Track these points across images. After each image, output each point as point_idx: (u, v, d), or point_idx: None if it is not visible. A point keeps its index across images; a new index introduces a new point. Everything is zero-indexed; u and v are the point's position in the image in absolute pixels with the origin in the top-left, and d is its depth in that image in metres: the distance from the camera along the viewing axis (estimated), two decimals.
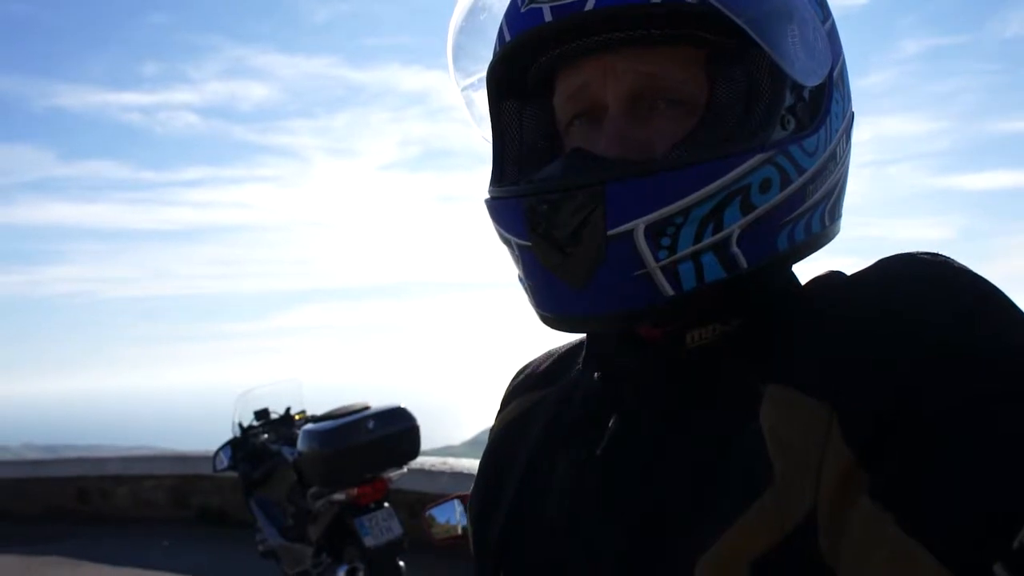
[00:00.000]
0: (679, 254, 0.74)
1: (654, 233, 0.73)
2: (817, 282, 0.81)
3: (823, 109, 0.81)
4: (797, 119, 0.78)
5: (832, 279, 0.80)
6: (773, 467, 0.68)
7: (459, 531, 2.95)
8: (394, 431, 5.07)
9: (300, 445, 5.15)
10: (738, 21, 0.73)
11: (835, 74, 0.83)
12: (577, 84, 0.83)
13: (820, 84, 0.80)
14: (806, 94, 0.80)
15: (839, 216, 0.87)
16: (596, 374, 0.91)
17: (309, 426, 5.15)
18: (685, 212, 0.73)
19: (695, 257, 0.74)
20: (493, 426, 1.07)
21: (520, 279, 0.85)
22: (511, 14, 0.83)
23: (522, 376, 1.09)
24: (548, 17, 0.78)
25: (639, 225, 0.73)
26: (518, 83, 0.89)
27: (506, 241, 0.84)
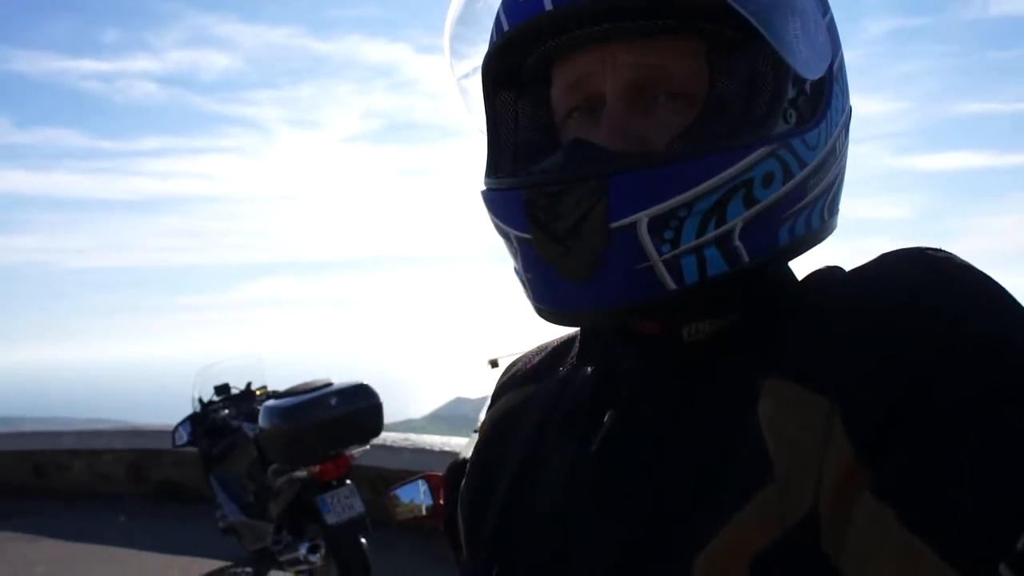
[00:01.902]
0: (682, 247, 0.73)
1: (657, 226, 0.72)
2: (816, 277, 0.81)
3: (824, 103, 0.80)
4: (799, 112, 0.78)
5: (831, 274, 0.79)
6: (773, 462, 0.67)
7: (423, 511, 2.95)
8: (357, 408, 5.04)
9: (261, 421, 5.11)
10: (743, 12, 0.72)
11: (835, 68, 0.82)
12: (576, 75, 0.82)
13: (821, 78, 0.80)
14: (808, 87, 0.79)
15: (837, 211, 0.86)
16: (590, 368, 0.91)
17: (271, 402, 5.11)
18: (689, 205, 0.72)
19: (698, 251, 0.74)
20: (484, 420, 1.06)
21: (517, 272, 0.84)
22: (509, 3, 0.81)
23: (513, 370, 1.08)
24: (548, 6, 0.76)
25: (642, 218, 0.72)
26: (515, 74, 0.88)
27: (504, 233, 0.82)
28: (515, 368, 1.08)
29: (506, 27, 0.81)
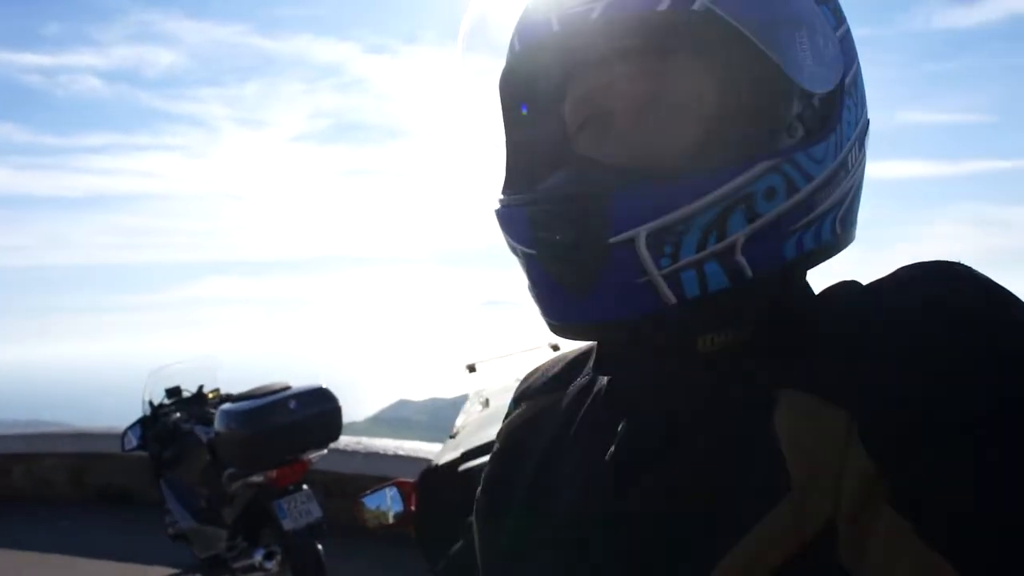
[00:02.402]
0: (681, 262, 0.74)
1: (656, 241, 0.73)
2: (833, 290, 0.81)
3: (834, 116, 0.80)
4: (805, 126, 0.78)
5: (849, 287, 0.80)
6: (790, 475, 0.67)
7: (389, 519, 2.92)
8: (316, 412, 4.98)
9: (218, 425, 5.01)
10: (743, 30, 0.74)
11: (847, 81, 0.82)
12: (585, 91, 0.83)
13: (831, 91, 0.80)
14: (815, 101, 0.79)
15: (853, 224, 0.86)
16: (607, 378, 0.91)
17: (228, 405, 5.02)
18: (687, 220, 0.73)
19: (698, 265, 0.74)
20: (502, 428, 1.06)
21: (528, 288, 0.85)
22: (521, 23, 0.83)
23: (533, 378, 1.07)
24: (555, 27, 0.78)
25: (640, 233, 0.73)
26: (529, 90, 0.89)
27: (513, 250, 0.84)
28: (534, 377, 1.07)
29: (518, 47, 0.83)
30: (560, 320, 0.81)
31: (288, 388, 5.04)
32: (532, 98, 0.89)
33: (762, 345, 0.79)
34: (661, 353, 0.83)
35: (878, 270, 0.77)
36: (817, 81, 0.78)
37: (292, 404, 4.86)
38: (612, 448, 0.83)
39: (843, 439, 0.65)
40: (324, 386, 5.14)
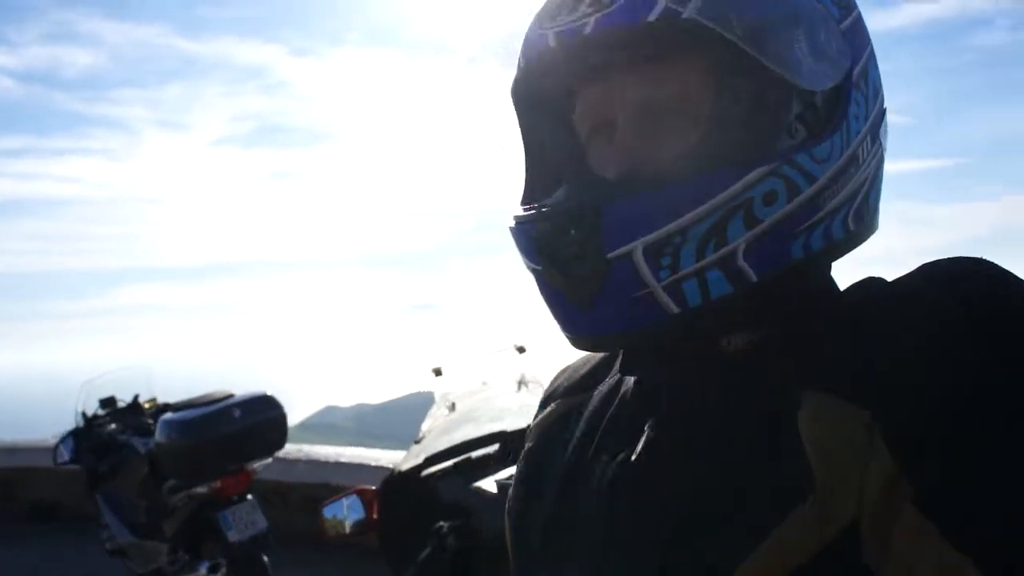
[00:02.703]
0: (681, 272, 0.75)
1: (653, 253, 0.74)
2: (857, 288, 0.82)
3: (839, 112, 0.80)
4: (807, 126, 0.79)
5: (872, 285, 0.80)
6: (814, 475, 0.68)
7: (346, 528, 2.86)
8: (261, 419, 4.89)
9: (158, 435, 4.85)
10: (729, 36, 0.74)
11: (856, 73, 0.82)
12: (589, 102, 0.85)
13: (835, 87, 0.81)
14: (818, 99, 0.80)
15: (871, 216, 0.86)
16: (633, 379, 0.91)
17: (169, 415, 4.86)
18: (683, 231, 0.74)
19: (699, 274, 0.75)
20: (531, 428, 1.06)
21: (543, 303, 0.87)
22: (524, 40, 0.85)
23: (561, 379, 1.08)
24: (552, 43, 0.80)
25: (637, 246, 0.74)
26: (539, 104, 0.91)
27: (525, 266, 0.86)
28: (563, 377, 1.08)
29: (523, 63, 0.85)
30: (571, 333, 0.82)
31: (231, 396, 4.93)
32: (543, 112, 0.90)
33: (786, 344, 0.80)
34: (685, 354, 0.84)
35: None
36: (817, 79, 0.78)
37: (236, 412, 4.75)
38: (638, 448, 0.84)
39: (866, 440, 0.66)
40: (269, 393, 5.05)
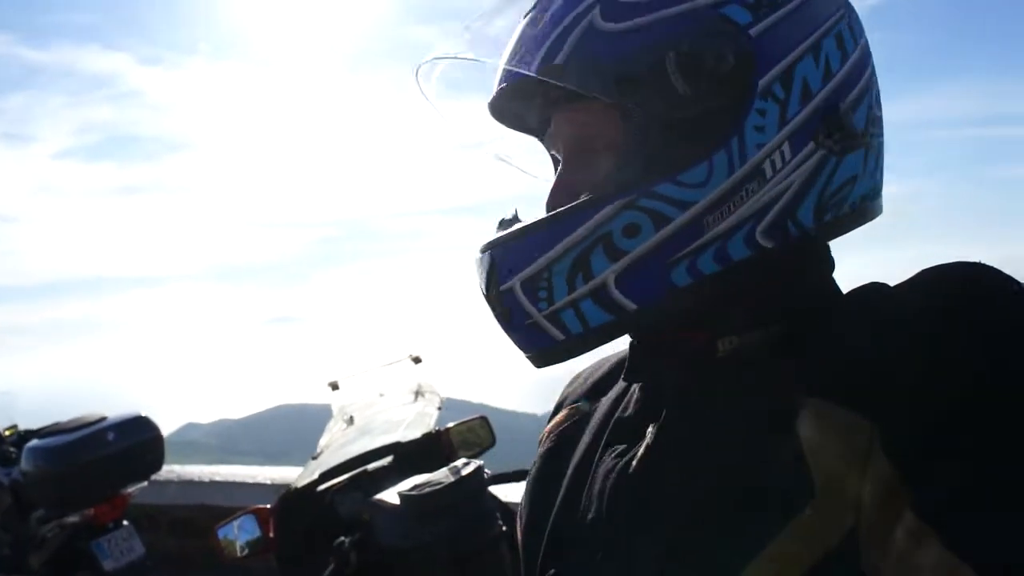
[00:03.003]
0: (556, 304, 0.80)
1: (530, 288, 0.81)
2: (859, 293, 0.82)
3: (720, 132, 0.79)
4: (673, 154, 0.79)
5: (875, 290, 0.80)
6: (814, 482, 0.68)
7: (237, 550, 2.79)
8: (136, 442, 4.69)
9: (24, 464, 4.59)
10: (579, 90, 0.81)
11: (765, 81, 0.79)
12: (549, 134, 0.93)
13: (727, 104, 0.79)
14: (688, 125, 0.79)
15: (784, 232, 0.81)
16: (637, 384, 0.93)
17: (36, 442, 4.61)
18: (548, 267, 0.80)
19: (574, 305, 0.80)
20: (545, 432, 1.09)
21: None
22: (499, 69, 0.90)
23: (574, 385, 1.11)
24: (504, 83, 0.88)
25: (516, 283, 0.82)
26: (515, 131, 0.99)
27: None
28: (575, 383, 1.11)
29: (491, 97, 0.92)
30: (518, 350, 0.88)
31: (104, 419, 4.71)
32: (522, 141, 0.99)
33: (785, 346, 0.80)
34: (683, 357, 0.86)
35: None
36: (688, 105, 0.78)
37: (110, 435, 4.54)
38: (639, 453, 0.85)
39: (865, 448, 0.66)
40: (143, 414, 4.85)
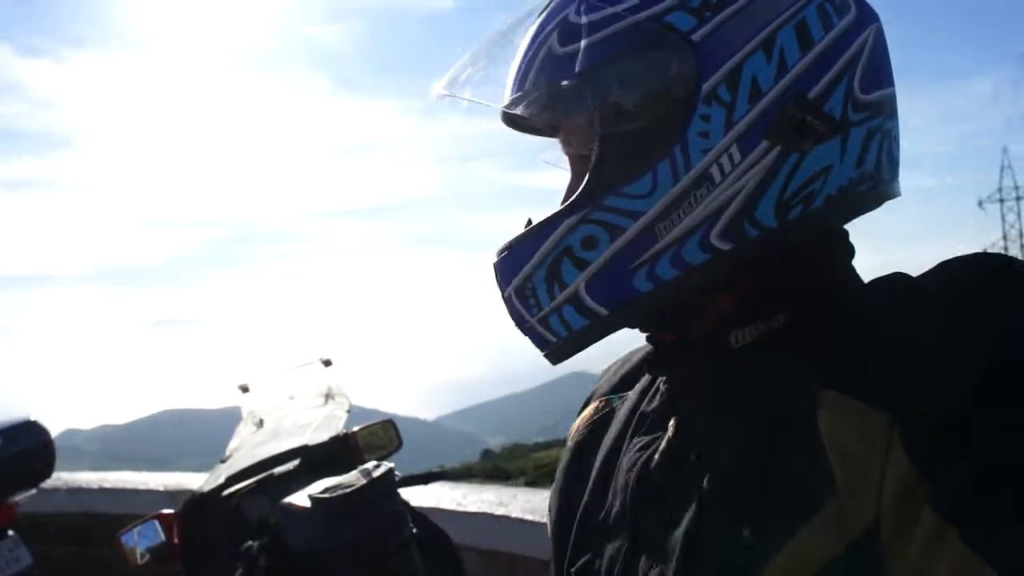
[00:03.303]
0: (544, 310, 0.87)
1: (521, 296, 0.89)
2: (879, 283, 0.83)
3: (661, 143, 0.81)
4: (617, 168, 0.83)
5: (895, 281, 0.80)
6: (835, 477, 0.69)
7: (137, 558, 2.73)
8: (24, 448, 4.46)
9: None
10: (525, 114, 0.91)
11: (708, 84, 0.80)
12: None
13: (672, 113, 0.81)
14: (629, 138, 0.83)
15: (742, 233, 0.81)
16: (660, 379, 0.97)
17: None
18: (530, 277, 0.87)
19: (558, 311, 0.86)
20: (576, 425, 1.13)
21: None
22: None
23: (604, 378, 1.16)
24: (499, 112, 0.95)
25: (511, 290, 0.90)
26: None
27: None
28: (605, 377, 1.16)
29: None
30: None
31: None
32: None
33: (800, 338, 0.81)
34: (698, 351, 0.89)
35: None
36: (634, 118, 0.82)
37: None
38: (661, 446, 0.89)
39: (884, 442, 0.66)
40: (33, 418, 4.65)
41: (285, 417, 3.23)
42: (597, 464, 1.00)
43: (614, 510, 0.92)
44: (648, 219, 0.81)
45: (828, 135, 0.81)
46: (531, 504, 3.96)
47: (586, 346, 0.88)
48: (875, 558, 0.66)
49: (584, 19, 0.83)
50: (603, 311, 0.84)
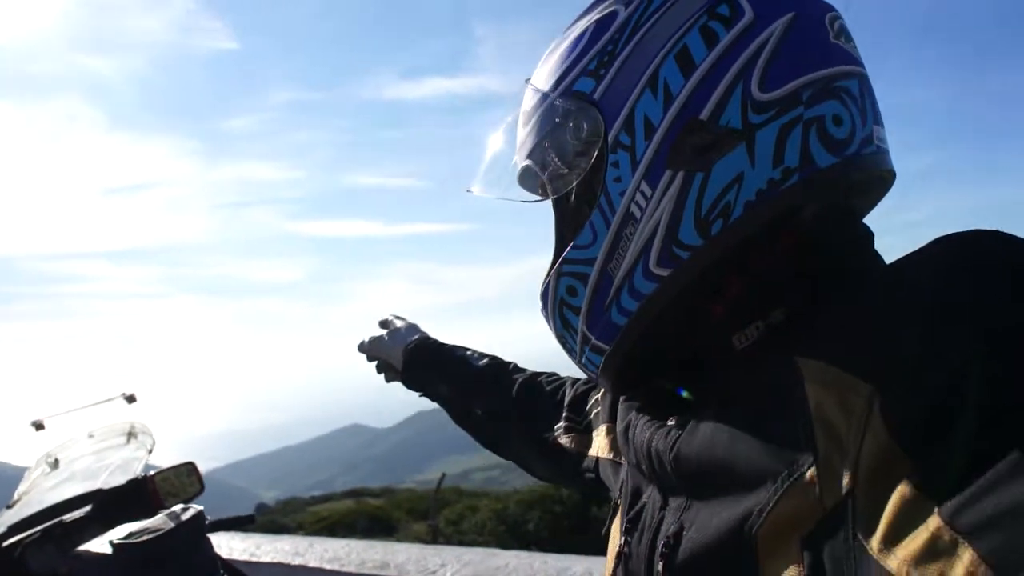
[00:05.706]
0: (576, 351, 0.99)
1: (563, 344, 1.02)
2: (881, 268, 0.85)
3: (589, 193, 0.94)
4: (572, 223, 0.98)
5: (895, 263, 0.79)
6: (817, 445, 0.70)
7: None
8: None
9: None
10: (506, 199, 1.07)
11: (612, 133, 0.89)
12: None
13: (593, 167, 0.92)
14: (571, 199, 0.98)
15: (673, 257, 0.86)
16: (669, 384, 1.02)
17: None
18: (557, 329, 1.01)
19: (583, 350, 0.98)
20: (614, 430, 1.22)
21: None
22: None
23: (595, 408, 1.32)
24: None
25: (559, 342, 1.03)
26: None
27: None
28: (596, 407, 1.32)
29: None
30: None
31: None
32: None
33: (796, 325, 0.84)
34: (707, 359, 0.92)
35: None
36: (568, 179, 0.96)
37: None
38: (656, 431, 0.94)
39: (865, 412, 0.66)
40: None
41: (81, 457, 2.99)
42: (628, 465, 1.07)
43: (624, 502, 1.02)
44: (600, 264, 0.91)
45: (729, 146, 0.83)
46: (329, 553, 3.78)
47: (617, 370, 0.98)
48: (850, 527, 0.66)
49: (528, 106, 1.00)
50: (606, 347, 0.95)
